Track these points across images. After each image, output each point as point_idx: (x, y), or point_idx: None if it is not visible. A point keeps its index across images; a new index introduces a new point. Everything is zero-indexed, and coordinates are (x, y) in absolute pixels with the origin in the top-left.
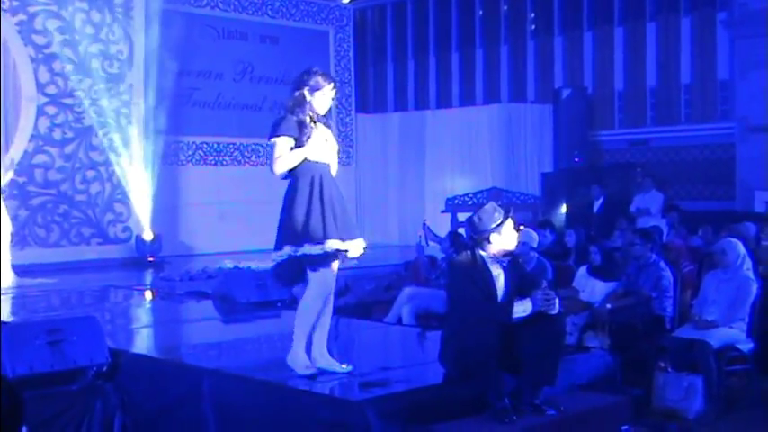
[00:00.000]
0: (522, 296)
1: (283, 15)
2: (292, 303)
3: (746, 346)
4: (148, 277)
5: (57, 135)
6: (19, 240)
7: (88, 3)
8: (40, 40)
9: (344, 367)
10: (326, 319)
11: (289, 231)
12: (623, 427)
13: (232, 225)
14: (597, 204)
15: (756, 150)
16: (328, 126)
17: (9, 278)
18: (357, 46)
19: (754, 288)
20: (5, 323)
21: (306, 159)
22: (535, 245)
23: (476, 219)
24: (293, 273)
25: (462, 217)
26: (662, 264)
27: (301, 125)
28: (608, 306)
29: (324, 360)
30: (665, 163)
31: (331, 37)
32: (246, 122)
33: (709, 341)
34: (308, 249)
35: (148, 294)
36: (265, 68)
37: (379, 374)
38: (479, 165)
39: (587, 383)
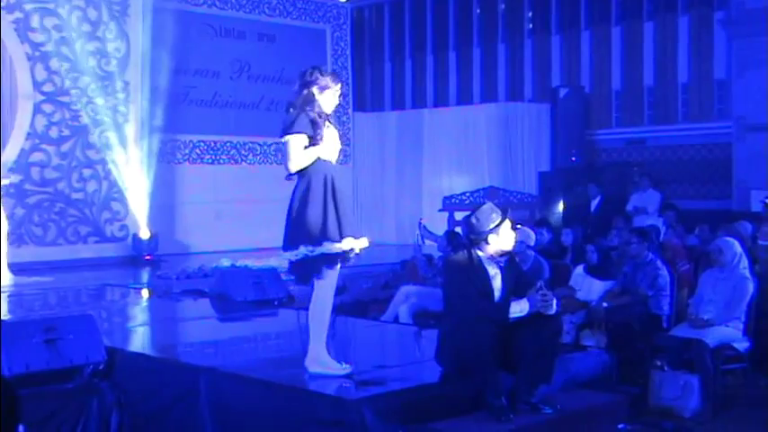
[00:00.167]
0: (519, 296)
1: (280, 14)
2: (289, 302)
3: (743, 344)
4: (145, 276)
5: (53, 133)
6: (15, 239)
7: (84, 0)
8: (36, 37)
9: (344, 367)
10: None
11: (304, 230)
12: (620, 426)
13: (229, 223)
14: (594, 203)
15: (753, 150)
16: (334, 125)
17: (6, 277)
18: (354, 44)
19: (751, 287)
20: (2, 321)
21: (318, 158)
22: (532, 243)
23: (473, 219)
24: (307, 271)
25: (459, 216)
26: (659, 263)
27: (314, 123)
28: (605, 305)
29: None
30: (662, 162)
31: (328, 35)
32: (243, 121)
33: (706, 340)
34: (328, 248)
35: (145, 293)
36: (262, 67)
37: (376, 373)
38: (476, 163)
39: (584, 382)
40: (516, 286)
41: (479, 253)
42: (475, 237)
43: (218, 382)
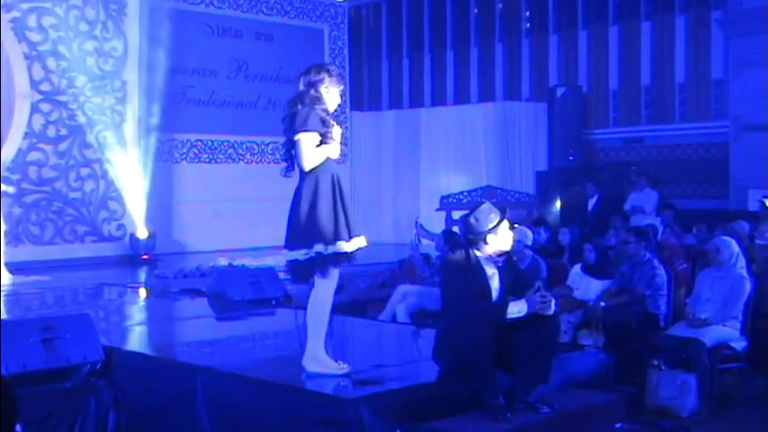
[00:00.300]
0: (517, 296)
1: (278, 13)
2: (287, 301)
3: (740, 344)
4: (142, 275)
5: (51, 132)
6: (13, 238)
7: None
8: (34, 37)
9: (342, 366)
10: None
11: (316, 229)
12: (617, 425)
13: (226, 222)
14: (591, 202)
15: (750, 149)
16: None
17: (3, 276)
18: (352, 43)
19: (748, 286)
20: None
21: (327, 157)
22: (530, 243)
23: (472, 219)
24: (312, 270)
25: (457, 215)
26: (656, 262)
27: (324, 122)
28: (602, 304)
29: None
30: (659, 161)
31: (326, 34)
32: (241, 120)
33: (703, 339)
34: (342, 247)
35: (142, 292)
36: (260, 66)
37: (374, 372)
38: (474, 163)
39: (582, 381)
40: (514, 286)
41: (477, 253)
42: (473, 237)
43: (216, 382)
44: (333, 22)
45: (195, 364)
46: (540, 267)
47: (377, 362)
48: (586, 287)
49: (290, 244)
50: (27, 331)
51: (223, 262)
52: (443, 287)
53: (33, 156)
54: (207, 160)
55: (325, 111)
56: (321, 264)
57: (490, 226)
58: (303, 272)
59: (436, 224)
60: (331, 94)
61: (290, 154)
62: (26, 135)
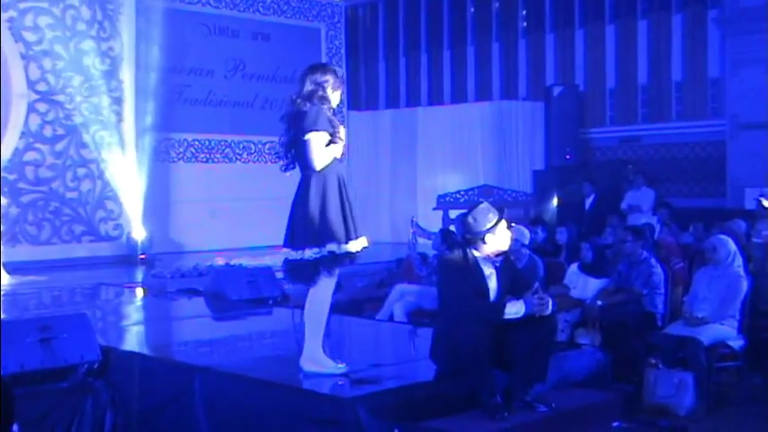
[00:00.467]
0: (515, 296)
1: (275, 12)
2: (284, 301)
3: (737, 342)
4: (139, 275)
5: (47, 132)
6: (10, 238)
7: None
8: (30, 36)
9: (339, 365)
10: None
11: (328, 229)
12: (614, 424)
13: (223, 222)
14: (588, 201)
15: (747, 147)
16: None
17: (3, 277)
18: (349, 43)
19: (745, 285)
20: None
21: (334, 157)
22: (527, 242)
23: (470, 219)
24: (316, 271)
25: (454, 214)
26: (653, 261)
27: (332, 122)
28: (599, 303)
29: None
30: (656, 160)
31: (323, 34)
32: (238, 119)
33: (700, 338)
34: (352, 246)
35: (139, 292)
36: (257, 65)
37: (371, 371)
38: (471, 162)
39: (579, 380)
40: (512, 286)
41: (475, 252)
42: (471, 236)
43: (213, 381)
44: (330, 22)
45: (192, 363)
46: (537, 266)
47: (374, 361)
48: (583, 286)
49: (295, 243)
50: (24, 331)
51: (220, 261)
52: (441, 286)
53: (30, 156)
54: (204, 160)
55: (332, 111)
56: (330, 263)
57: (488, 226)
58: (308, 271)
59: (433, 223)
60: (335, 94)
61: (290, 152)
62: (23, 135)
